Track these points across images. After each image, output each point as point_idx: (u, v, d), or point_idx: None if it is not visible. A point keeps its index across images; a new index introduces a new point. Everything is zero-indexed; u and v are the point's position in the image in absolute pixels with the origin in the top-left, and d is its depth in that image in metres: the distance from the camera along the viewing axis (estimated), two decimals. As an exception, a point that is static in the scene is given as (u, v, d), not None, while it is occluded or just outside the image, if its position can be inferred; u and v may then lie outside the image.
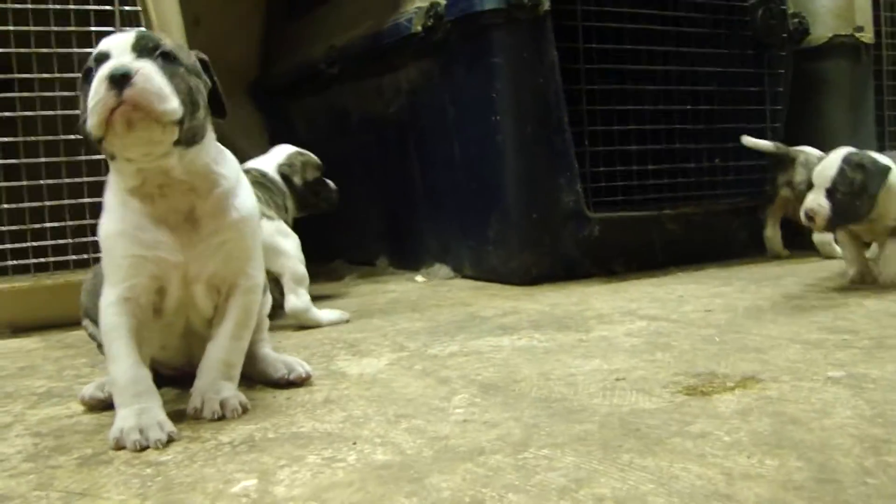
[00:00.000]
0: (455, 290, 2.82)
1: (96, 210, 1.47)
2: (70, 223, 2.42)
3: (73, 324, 1.74)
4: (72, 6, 2.41)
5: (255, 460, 1.16)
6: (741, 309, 2.15)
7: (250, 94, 4.43)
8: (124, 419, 1.29)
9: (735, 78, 3.25)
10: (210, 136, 1.42)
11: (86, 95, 1.26)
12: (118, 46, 1.29)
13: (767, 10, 3.25)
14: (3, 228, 2.38)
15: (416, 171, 3.30)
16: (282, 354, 1.67)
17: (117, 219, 1.38)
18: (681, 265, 3.03)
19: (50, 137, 2.39)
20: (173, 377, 1.61)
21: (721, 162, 3.25)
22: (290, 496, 1.02)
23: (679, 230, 3.10)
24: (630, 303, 2.34)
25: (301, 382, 1.59)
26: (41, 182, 2.40)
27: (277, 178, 2.55)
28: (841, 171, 2.24)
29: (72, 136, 2.37)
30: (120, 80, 1.21)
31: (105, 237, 1.40)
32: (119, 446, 1.26)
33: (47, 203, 2.42)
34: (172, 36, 2.43)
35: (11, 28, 2.37)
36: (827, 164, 2.29)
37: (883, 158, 2.31)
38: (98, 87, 1.22)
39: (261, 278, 1.50)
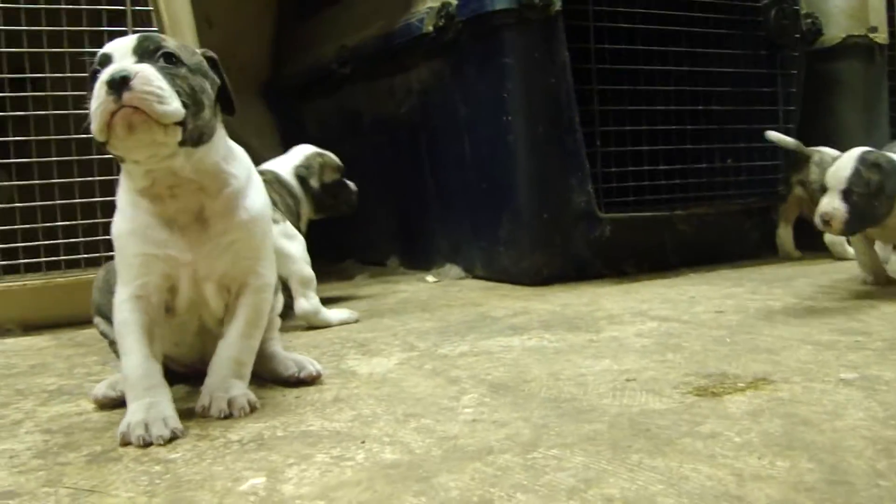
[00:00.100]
0: (466, 291, 2.82)
1: (108, 209, 1.48)
2: (82, 222, 2.43)
3: (85, 322, 1.74)
4: (84, 6, 2.42)
5: (264, 458, 1.16)
6: (753, 310, 2.14)
7: (262, 94, 4.43)
8: (133, 414, 1.31)
9: (748, 78, 3.23)
10: (219, 134, 1.42)
11: (90, 99, 1.27)
12: (120, 50, 1.30)
13: (780, 11, 3.24)
14: (16, 227, 2.39)
15: (427, 172, 3.30)
16: (292, 353, 1.67)
17: (128, 218, 1.40)
18: (692, 266, 3.02)
19: (62, 136, 2.40)
20: (186, 374, 1.61)
21: (733, 162, 3.24)
22: (299, 494, 1.02)
23: (691, 231, 3.09)
24: (641, 303, 2.33)
25: (312, 381, 1.59)
26: (53, 181, 2.41)
27: (293, 180, 2.52)
28: (856, 172, 2.16)
29: (83, 136, 2.37)
30: (119, 84, 1.22)
31: (117, 236, 1.41)
32: (125, 441, 1.27)
33: (59, 202, 2.42)
34: (184, 36, 2.45)
35: (24, 28, 2.38)
36: (841, 164, 2.21)
37: None
38: (98, 92, 1.24)
39: (271, 277, 1.50)
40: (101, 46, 1.35)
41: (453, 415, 1.33)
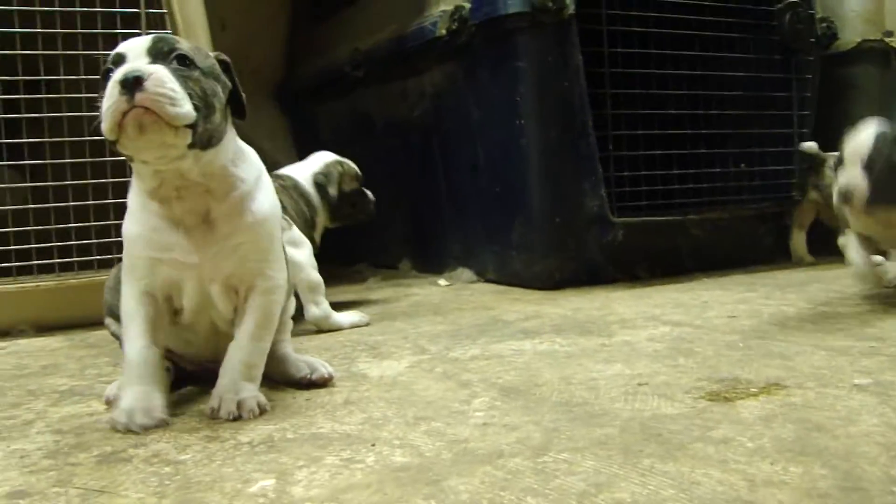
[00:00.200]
0: (478, 294, 2.81)
1: (120, 211, 1.49)
2: (95, 223, 2.43)
3: (97, 323, 1.75)
4: (98, 8, 2.43)
5: (274, 460, 1.16)
6: (766, 315, 2.13)
7: (275, 97, 4.44)
8: (124, 400, 1.37)
9: (762, 83, 3.22)
10: (229, 137, 1.42)
11: (102, 98, 1.27)
12: (134, 50, 1.31)
13: (795, 15, 3.22)
14: (29, 228, 2.40)
15: (439, 175, 3.30)
16: (304, 355, 1.67)
17: (136, 220, 1.42)
18: (706, 271, 3.01)
19: (75, 138, 2.41)
20: (200, 374, 1.62)
21: (747, 167, 3.22)
22: (308, 497, 1.02)
23: (704, 235, 3.08)
24: (654, 308, 2.32)
25: (323, 383, 1.59)
26: (66, 183, 2.41)
27: (310, 187, 2.49)
28: (877, 145, 2.05)
29: (97, 138, 2.38)
30: (132, 84, 1.23)
31: (126, 237, 1.44)
32: (113, 426, 1.35)
33: (72, 203, 2.43)
34: (197, 39, 2.45)
35: (39, 30, 2.39)
36: (861, 139, 2.11)
37: None
38: (111, 91, 1.24)
39: (281, 279, 1.50)
40: (114, 49, 1.36)
41: (464, 418, 1.33)
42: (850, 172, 2.07)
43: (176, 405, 1.50)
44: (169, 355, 1.62)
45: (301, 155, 3.59)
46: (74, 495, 1.06)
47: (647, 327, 2.04)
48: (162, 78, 1.26)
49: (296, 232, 2.26)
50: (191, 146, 1.31)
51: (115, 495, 1.05)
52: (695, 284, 2.79)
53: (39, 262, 2.42)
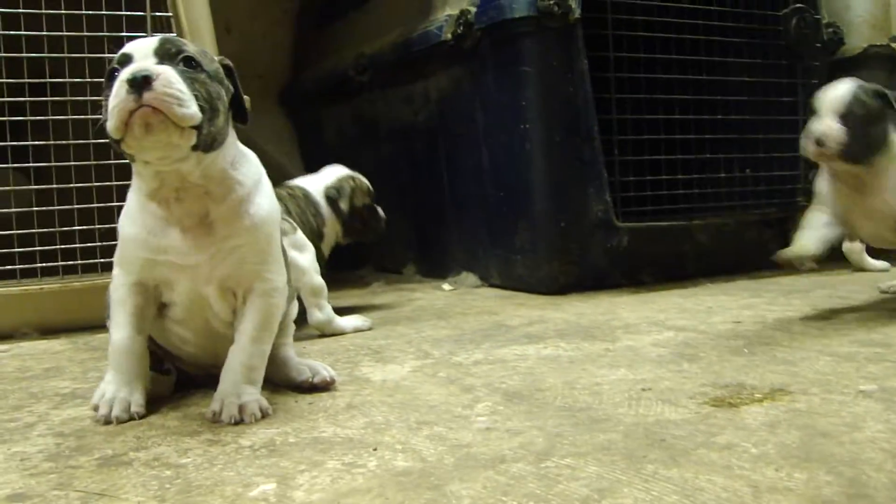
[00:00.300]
0: (481, 299, 2.81)
1: (125, 214, 1.49)
2: (99, 226, 2.43)
3: (100, 326, 1.75)
4: (104, 11, 2.43)
5: (275, 464, 1.16)
6: (770, 320, 2.12)
7: (280, 100, 4.45)
8: (106, 384, 1.45)
9: (768, 88, 3.21)
10: (230, 141, 1.43)
11: (108, 97, 1.27)
12: (141, 50, 1.32)
13: (801, 20, 3.22)
14: (33, 231, 2.40)
15: (444, 179, 3.29)
16: (306, 359, 1.67)
17: (133, 221, 1.43)
18: (710, 276, 3.00)
19: (80, 141, 2.41)
20: (203, 378, 1.62)
21: (752, 172, 3.21)
22: (309, 501, 1.01)
23: (708, 241, 3.07)
24: (658, 313, 2.31)
25: (325, 387, 1.58)
26: (71, 185, 2.41)
27: (321, 199, 2.48)
28: (855, 94, 2.01)
29: (102, 140, 2.39)
30: (140, 83, 1.24)
31: (121, 236, 1.46)
32: (95, 410, 1.43)
33: (76, 206, 2.43)
34: (203, 42, 2.46)
35: (45, 33, 2.39)
36: (838, 90, 2.04)
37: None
38: (119, 90, 1.25)
39: (280, 281, 1.50)
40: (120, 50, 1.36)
41: (467, 423, 1.32)
42: (824, 121, 2.01)
43: (177, 408, 1.50)
44: (171, 359, 1.62)
45: (306, 159, 3.60)
46: (75, 498, 1.06)
47: (652, 332, 2.03)
48: (170, 78, 1.27)
49: (300, 235, 2.25)
50: (194, 148, 1.31)
51: (115, 499, 1.05)
52: (699, 290, 2.78)
53: (43, 264, 2.42)
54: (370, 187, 2.63)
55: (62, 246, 2.43)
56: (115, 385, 1.43)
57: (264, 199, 1.46)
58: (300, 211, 2.37)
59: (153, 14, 2.49)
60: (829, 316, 2.17)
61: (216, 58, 1.44)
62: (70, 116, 2.42)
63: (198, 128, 1.29)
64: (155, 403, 1.50)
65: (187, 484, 1.09)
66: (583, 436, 1.22)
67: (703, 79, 3.06)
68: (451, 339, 2.07)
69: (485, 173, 3.02)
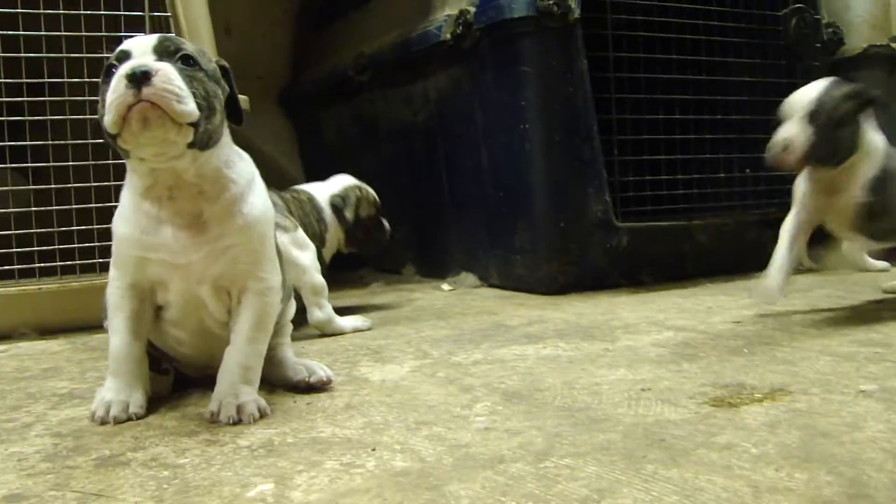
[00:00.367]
0: (481, 299, 2.80)
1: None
2: (97, 227, 2.43)
3: (99, 326, 1.74)
4: (102, 11, 2.43)
5: (273, 465, 1.15)
6: (770, 320, 2.12)
7: (279, 101, 4.44)
8: (105, 390, 1.44)
9: (768, 88, 3.20)
10: (225, 141, 1.43)
11: (105, 92, 1.27)
12: (140, 47, 1.32)
13: (801, 20, 3.21)
14: (31, 231, 2.39)
15: (443, 179, 3.29)
16: (303, 359, 1.66)
17: (126, 220, 1.42)
18: (710, 276, 2.99)
19: (79, 141, 2.41)
20: (200, 379, 1.62)
21: (752, 172, 3.21)
22: (307, 501, 1.01)
23: (708, 241, 3.06)
24: (658, 313, 2.31)
25: (322, 386, 1.58)
26: (69, 185, 2.41)
27: (326, 206, 2.49)
28: (822, 99, 1.96)
29: (100, 140, 2.38)
30: (139, 79, 1.24)
31: (115, 235, 1.45)
32: (92, 416, 1.42)
33: (75, 206, 2.43)
34: (202, 42, 2.45)
35: (43, 33, 2.39)
36: (806, 92, 2.01)
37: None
38: (117, 85, 1.25)
39: (275, 281, 1.49)
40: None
41: (465, 423, 1.32)
42: (790, 125, 1.99)
43: (175, 408, 1.50)
44: (169, 360, 1.62)
45: (305, 159, 3.60)
46: (72, 499, 1.05)
47: (651, 332, 2.03)
48: (169, 75, 1.27)
49: (300, 234, 2.25)
50: (190, 145, 1.31)
51: (112, 499, 1.05)
52: (699, 290, 2.77)
53: (41, 264, 2.41)
54: (377, 199, 2.64)
55: (60, 246, 2.42)
56: (113, 391, 1.43)
57: (258, 199, 1.46)
58: (303, 214, 2.37)
59: (151, 14, 2.48)
60: (828, 316, 2.16)
61: (212, 58, 1.44)
62: (68, 116, 2.42)
63: (195, 125, 1.29)
64: (153, 403, 1.49)
65: (185, 484, 1.09)
66: (582, 436, 1.22)
67: (703, 79, 3.06)
68: (451, 339, 2.07)
69: (484, 173, 3.01)
